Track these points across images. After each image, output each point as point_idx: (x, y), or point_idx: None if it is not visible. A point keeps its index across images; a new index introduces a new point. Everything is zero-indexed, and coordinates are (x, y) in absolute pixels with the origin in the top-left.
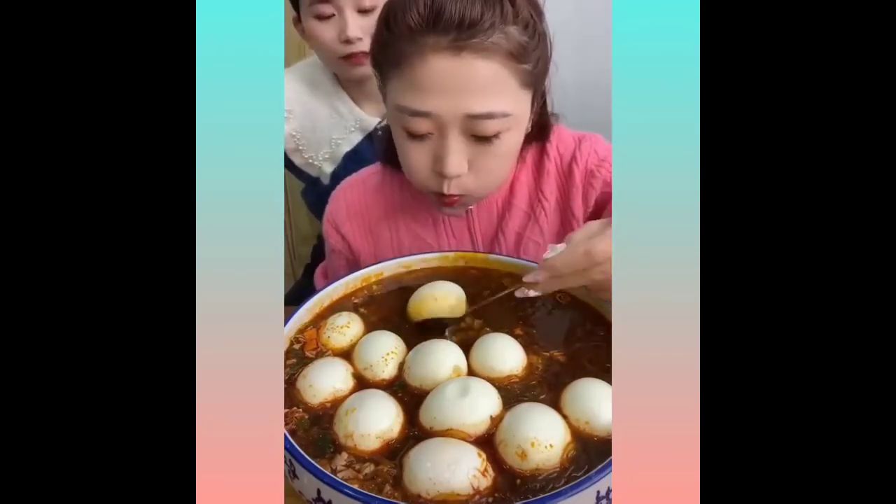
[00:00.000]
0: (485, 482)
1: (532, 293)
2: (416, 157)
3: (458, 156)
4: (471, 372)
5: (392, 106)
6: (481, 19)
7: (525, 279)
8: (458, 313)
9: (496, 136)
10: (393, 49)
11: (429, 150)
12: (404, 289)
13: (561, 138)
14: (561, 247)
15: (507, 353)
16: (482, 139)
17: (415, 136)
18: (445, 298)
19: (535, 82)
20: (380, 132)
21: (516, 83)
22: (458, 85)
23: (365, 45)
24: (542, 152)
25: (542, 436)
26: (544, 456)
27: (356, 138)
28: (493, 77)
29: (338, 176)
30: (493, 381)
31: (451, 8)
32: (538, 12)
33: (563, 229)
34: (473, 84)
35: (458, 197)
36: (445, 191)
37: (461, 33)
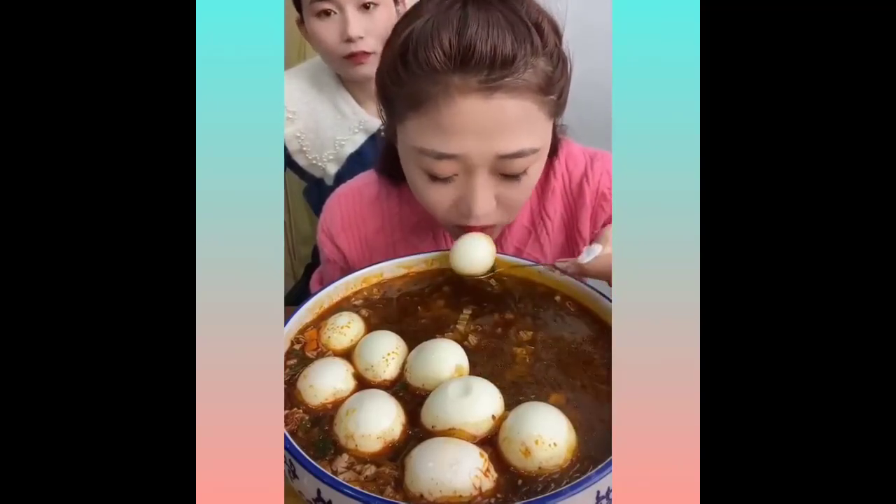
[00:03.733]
0: (487, 482)
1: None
2: (437, 197)
3: (486, 197)
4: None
5: (410, 147)
6: (514, 58)
7: (557, 264)
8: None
9: (524, 171)
10: (411, 88)
11: (453, 189)
12: (405, 290)
13: (570, 154)
14: (597, 248)
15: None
16: (510, 176)
17: (437, 178)
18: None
19: (559, 111)
20: (382, 133)
21: (544, 116)
22: (488, 127)
23: (366, 45)
24: (549, 169)
25: (547, 434)
26: (548, 454)
27: (360, 139)
28: (523, 115)
29: (342, 177)
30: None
31: (481, 46)
32: (560, 37)
33: (569, 246)
34: (504, 125)
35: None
36: (471, 224)
37: (492, 73)
